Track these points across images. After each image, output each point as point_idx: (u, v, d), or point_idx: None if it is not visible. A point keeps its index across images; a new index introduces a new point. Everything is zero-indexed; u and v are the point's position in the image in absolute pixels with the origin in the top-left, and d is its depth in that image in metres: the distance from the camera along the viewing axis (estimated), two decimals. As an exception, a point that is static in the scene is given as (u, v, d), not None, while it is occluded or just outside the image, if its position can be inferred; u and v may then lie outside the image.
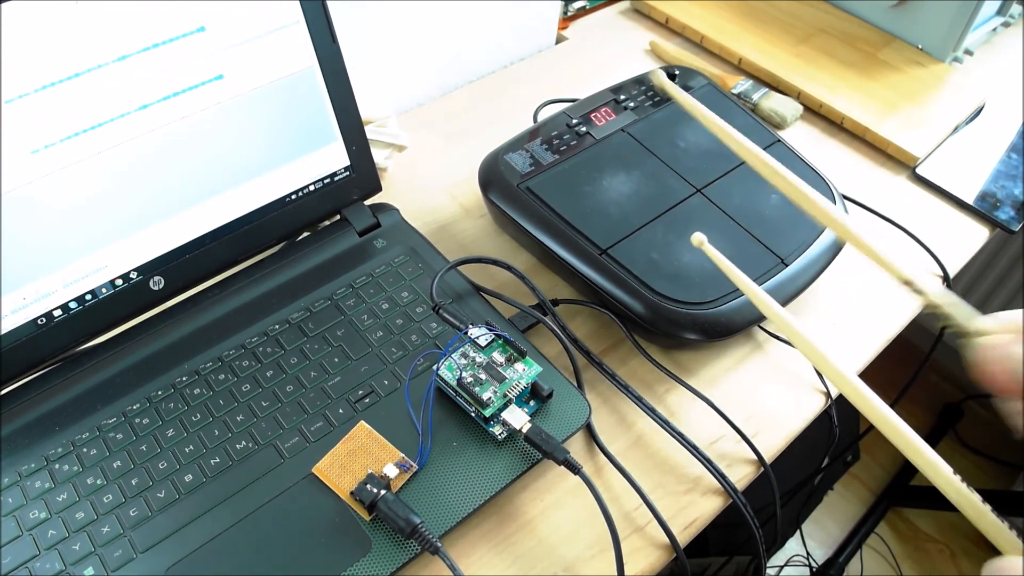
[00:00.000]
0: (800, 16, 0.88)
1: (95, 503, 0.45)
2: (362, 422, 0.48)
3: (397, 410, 0.49)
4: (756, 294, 0.40)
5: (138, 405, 0.49)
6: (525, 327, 0.55)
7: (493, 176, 0.60)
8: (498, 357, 0.49)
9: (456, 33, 0.77)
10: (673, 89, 0.45)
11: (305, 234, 0.60)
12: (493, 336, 0.50)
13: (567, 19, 0.89)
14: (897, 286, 0.63)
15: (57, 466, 0.46)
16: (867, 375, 0.60)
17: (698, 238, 0.43)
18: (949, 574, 1.27)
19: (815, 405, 0.55)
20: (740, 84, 0.77)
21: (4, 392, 0.50)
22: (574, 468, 0.45)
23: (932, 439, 1.43)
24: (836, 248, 0.59)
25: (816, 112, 0.78)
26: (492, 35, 0.80)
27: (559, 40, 0.88)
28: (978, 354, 0.35)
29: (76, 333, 0.50)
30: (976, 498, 0.33)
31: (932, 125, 0.75)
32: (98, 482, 0.45)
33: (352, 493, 0.44)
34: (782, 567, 1.24)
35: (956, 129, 0.77)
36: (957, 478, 0.34)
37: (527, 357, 0.49)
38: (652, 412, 0.52)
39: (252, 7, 0.49)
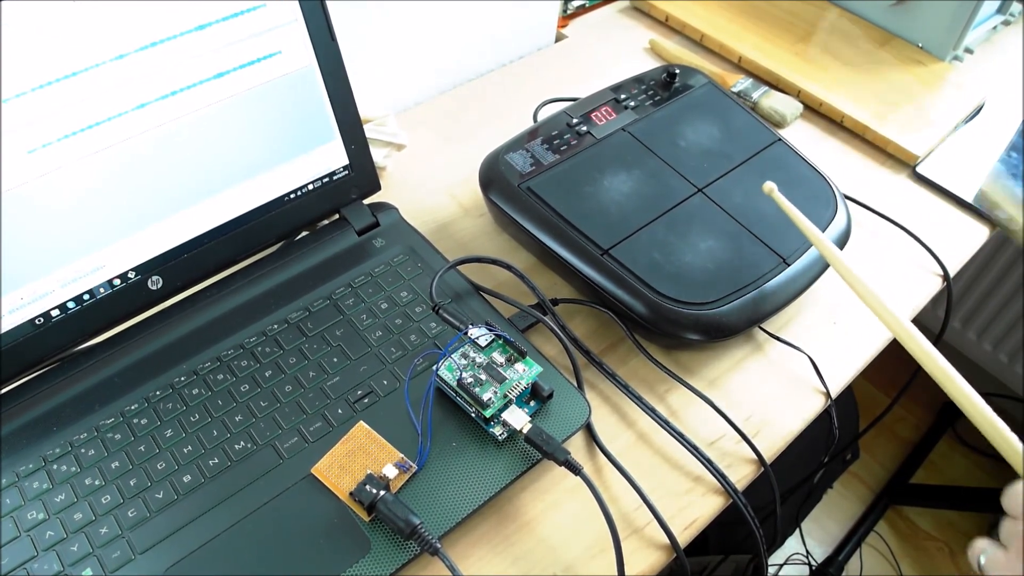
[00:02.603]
0: (800, 14, 0.88)
1: (93, 504, 0.44)
2: (361, 422, 0.48)
3: (396, 410, 0.49)
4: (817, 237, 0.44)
5: (136, 405, 0.49)
6: (525, 327, 0.55)
7: (494, 176, 0.60)
8: (498, 357, 0.49)
9: (455, 31, 0.76)
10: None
11: (304, 233, 0.60)
12: (493, 336, 0.49)
13: (566, 17, 0.89)
14: (896, 284, 0.63)
15: (55, 467, 0.46)
16: (867, 373, 0.60)
17: (769, 186, 0.45)
18: (948, 572, 1.27)
19: (815, 405, 0.55)
20: (740, 82, 0.77)
21: (2, 392, 0.50)
22: (575, 469, 0.45)
23: (931, 437, 1.43)
24: (838, 247, 0.59)
25: (816, 111, 0.78)
26: (491, 34, 0.80)
27: (558, 38, 0.87)
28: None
29: (74, 333, 0.50)
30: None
31: (932, 124, 0.75)
32: (96, 483, 0.45)
33: (351, 494, 0.44)
34: (781, 565, 1.24)
35: (956, 128, 0.76)
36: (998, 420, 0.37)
37: (527, 357, 0.49)
38: (652, 412, 0.52)
39: (250, 5, 0.49)
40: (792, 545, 1.25)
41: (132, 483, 0.45)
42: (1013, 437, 0.38)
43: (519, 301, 0.55)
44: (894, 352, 0.65)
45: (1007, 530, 0.37)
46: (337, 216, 0.60)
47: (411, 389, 0.50)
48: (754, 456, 0.51)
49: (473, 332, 0.50)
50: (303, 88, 0.54)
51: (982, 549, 0.38)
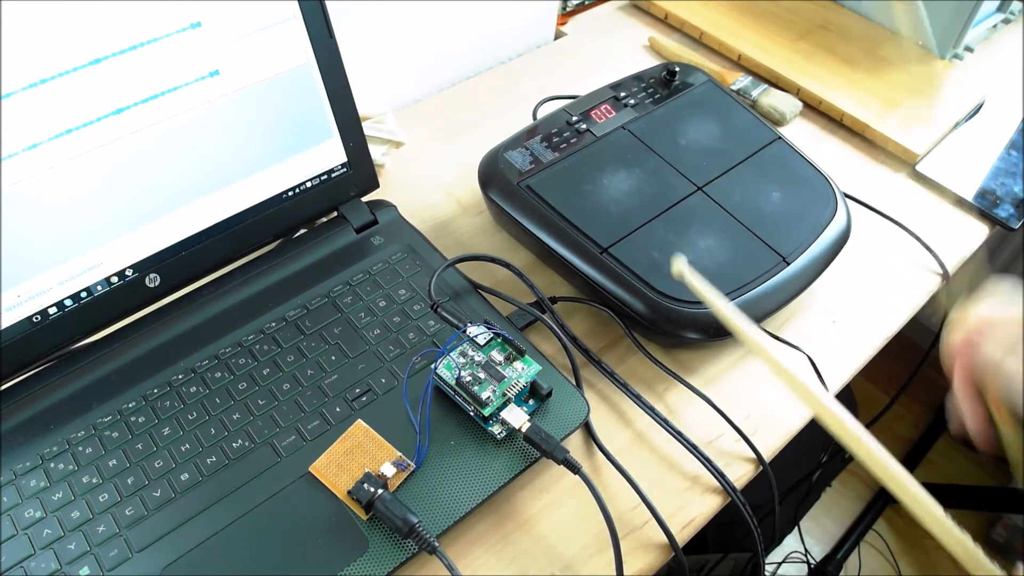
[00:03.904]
0: (799, 12, 0.87)
1: (91, 502, 0.44)
2: (359, 421, 0.48)
3: (395, 409, 0.49)
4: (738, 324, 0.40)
5: (134, 403, 0.49)
6: (523, 325, 0.55)
7: (493, 174, 0.60)
8: (497, 356, 0.48)
9: (454, 29, 0.76)
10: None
11: (302, 231, 0.60)
12: (492, 334, 0.49)
13: (566, 15, 0.89)
14: (895, 283, 0.63)
15: (52, 465, 0.46)
16: (866, 372, 0.60)
17: (678, 269, 0.42)
18: (947, 571, 1.28)
19: (814, 403, 0.55)
20: (739, 80, 0.77)
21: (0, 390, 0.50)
22: (573, 468, 0.45)
23: (930, 435, 1.43)
24: (837, 246, 0.59)
25: (816, 109, 0.78)
26: (490, 31, 0.80)
27: (557, 36, 0.87)
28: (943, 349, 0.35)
29: (71, 331, 0.50)
30: (965, 538, 0.32)
31: (932, 122, 0.75)
32: (93, 481, 0.45)
33: (349, 492, 0.44)
34: (780, 563, 1.24)
35: (956, 126, 0.76)
36: (945, 517, 0.33)
37: (526, 356, 0.49)
38: (651, 410, 0.52)
39: (248, 3, 0.49)
40: (791, 543, 1.25)
41: (130, 481, 0.45)
42: (958, 531, 0.33)
43: (518, 299, 0.55)
44: (893, 351, 0.65)
45: None
46: (335, 214, 0.60)
47: (409, 387, 0.50)
48: (753, 455, 0.51)
49: (472, 330, 0.49)
50: (301, 86, 0.53)
51: None
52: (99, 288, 0.50)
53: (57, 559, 0.42)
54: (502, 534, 0.46)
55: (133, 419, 0.48)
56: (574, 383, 0.52)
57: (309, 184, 0.57)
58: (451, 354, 0.48)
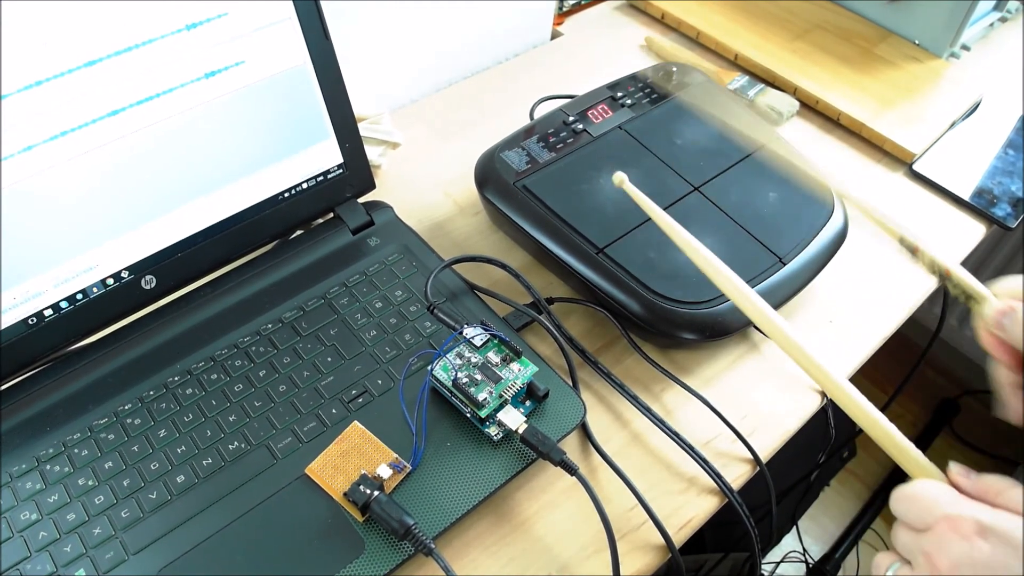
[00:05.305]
0: (796, 12, 0.87)
1: (86, 504, 0.44)
2: (355, 422, 0.48)
3: (391, 410, 0.49)
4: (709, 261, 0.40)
5: (130, 405, 0.49)
6: (520, 326, 0.55)
7: (489, 174, 0.60)
8: (493, 357, 0.48)
9: (450, 29, 0.76)
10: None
11: (298, 232, 0.60)
12: (488, 336, 0.49)
13: (562, 15, 0.89)
14: (893, 282, 0.63)
15: (48, 467, 0.46)
16: (864, 371, 0.60)
17: (619, 177, 0.44)
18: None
19: (811, 405, 0.55)
20: (736, 80, 0.77)
21: (-5, 392, 0.49)
22: (570, 469, 0.45)
23: (928, 435, 1.43)
24: (834, 246, 0.59)
25: (812, 108, 0.78)
26: (487, 31, 0.80)
27: (554, 36, 0.87)
28: (985, 319, 0.35)
29: (67, 333, 0.50)
30: None
31: (929, 121, 0.75)
32: (89, 483, 0.45)
33: (345, 494, 0.43)
34: (778, 563, 1.24)
35: (953, 125, 0.76)
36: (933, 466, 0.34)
37: (523, 357, 0.49)
38: (648, 411, 0.52)
39: (243, 4, 0.49)
40: (789, 543, 1.25)
41: (125, 483, 0.45)
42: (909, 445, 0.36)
43: (514, 300, 0.55)
44: (891, 349, 0.65)
45: (903, 542, 0.33)
46: (332, 215, 0.60)
47: (406, 389, 0.49)
48: (750, 455, 0.51)
49: (468, 331, 0.49)
50: (297, 87, 0.53)
51: (888, 566, 0.34)
52: (95, 290, 0.50)
53: (53, 561, 0.42)
54: (499, 535, 0.46)
55: (129, 421, 0.48)
56: (571, 384, 0.52)
57: (305, 185, 0.57)
58: (447, 355, 0.48)
